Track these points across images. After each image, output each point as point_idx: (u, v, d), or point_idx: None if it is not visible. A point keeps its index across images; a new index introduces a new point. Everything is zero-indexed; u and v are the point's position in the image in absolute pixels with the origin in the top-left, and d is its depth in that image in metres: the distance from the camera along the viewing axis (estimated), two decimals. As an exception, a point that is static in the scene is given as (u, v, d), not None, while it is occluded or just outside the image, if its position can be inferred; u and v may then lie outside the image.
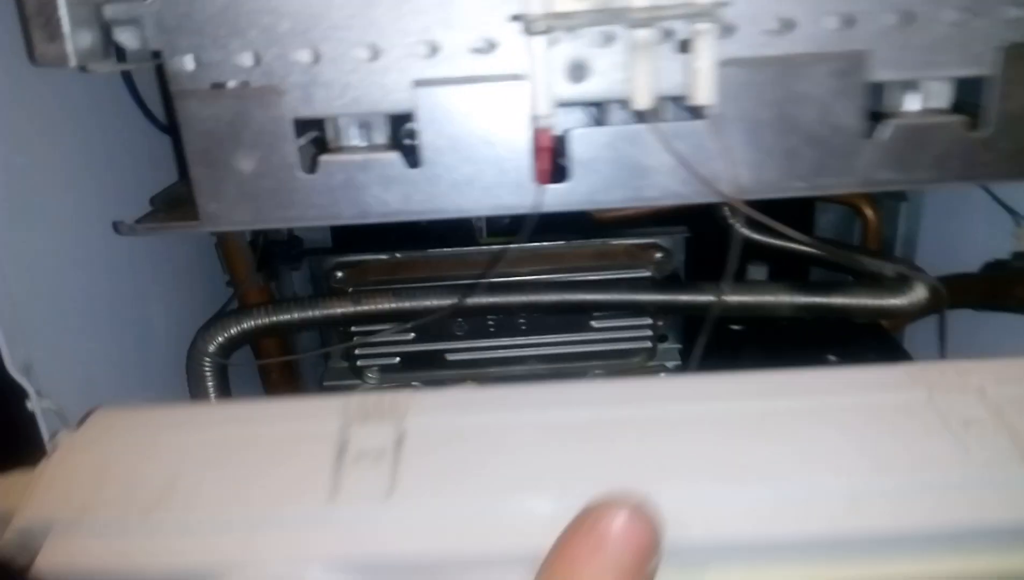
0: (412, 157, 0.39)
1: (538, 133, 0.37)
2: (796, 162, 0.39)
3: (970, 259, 0.64)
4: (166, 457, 0.31)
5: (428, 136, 0.39)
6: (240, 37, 0.37)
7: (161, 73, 0.55)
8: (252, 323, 0.53)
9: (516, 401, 0.32)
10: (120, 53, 0.38)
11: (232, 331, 0.53)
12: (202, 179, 0.39)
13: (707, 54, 0.36)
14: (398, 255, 0.74)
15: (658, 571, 0.23)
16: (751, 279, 0.73)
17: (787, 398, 0.30)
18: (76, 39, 0.35)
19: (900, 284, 0.53)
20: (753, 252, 0.71)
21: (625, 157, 0.39)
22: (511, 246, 0.75)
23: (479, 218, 0.81)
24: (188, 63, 0.37)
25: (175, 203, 0.45)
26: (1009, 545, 0.26)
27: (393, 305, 0.54)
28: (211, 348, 0.54)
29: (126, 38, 0.38)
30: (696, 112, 0.39)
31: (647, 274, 0.73)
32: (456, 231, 0.79)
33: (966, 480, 0.27)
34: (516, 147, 0.39)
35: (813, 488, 0.26)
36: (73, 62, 0.35)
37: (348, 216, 0.40)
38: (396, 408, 0.32)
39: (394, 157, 0.39)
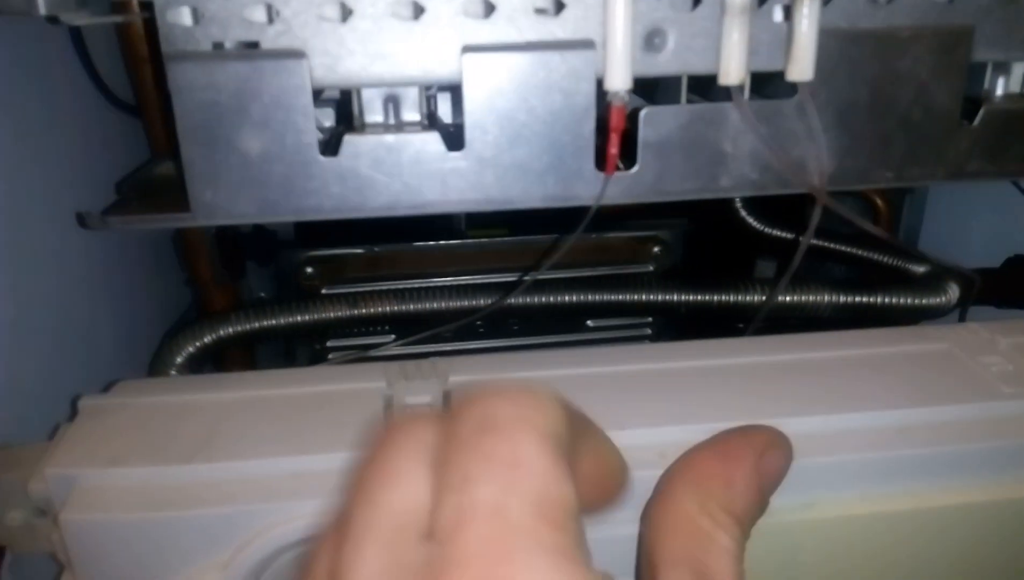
0: (452, 138, 0.33)
1: (613, 111, 0.32)
2: (887, 150, 0.35)
3: (975, 253, 0.62)
4: (201, 414, 0.31)
5: (475, 113, 0.32)
6: (251, -14, 0.30)
7: (124, 38, 0.47)
8: (230, 330, 0.45)
9: (553, 360, 0.35)
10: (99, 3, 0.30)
11: (206, 340, 0.45)
12: (197, 162, 0.32)
13: (810, 21, 0.31)
14: (376, 249, 0.67)
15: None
16: (760, 276, 0.69)
17: (825, 351, 0.35)
18: (42, -20, 0.28)
19: (937, 282, 0.50)
20: (754, 244, 0.68)
21: (701, 141, 0.34)
22: (508, 240, 0.69)
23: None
24: (185, 16, 0.30)
25: (150, 190, 0.37)
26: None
27: (396, 308, 0.47)
28: (179, 359, 0.47)
29: (102, -17, 0.30)
30: (781, 90, 0.34)
31: (649, 269, 0.68)
32: (433, 223, 0.73)
33: (1000, 409, 0.31)
34: (579, 128, 0.33)
35: (865, 421, 0.30)
36: (43, 11, 0.27)
37: (374, 207, 0.34)
38: (436, 369, 0.33)
39: (433, 137, 0.33)
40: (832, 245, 0.56)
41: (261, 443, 0.30)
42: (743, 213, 0.65)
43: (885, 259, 0.55)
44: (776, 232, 0.61)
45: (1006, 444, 0.30)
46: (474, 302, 0.48)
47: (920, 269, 0.53)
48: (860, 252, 0.55)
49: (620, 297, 0.49)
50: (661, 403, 0.31)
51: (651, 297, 0.49)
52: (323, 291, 0.63)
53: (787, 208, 0.65)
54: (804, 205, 0.75)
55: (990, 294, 0.55)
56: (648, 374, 0.34)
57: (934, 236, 0.69)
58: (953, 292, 0.50)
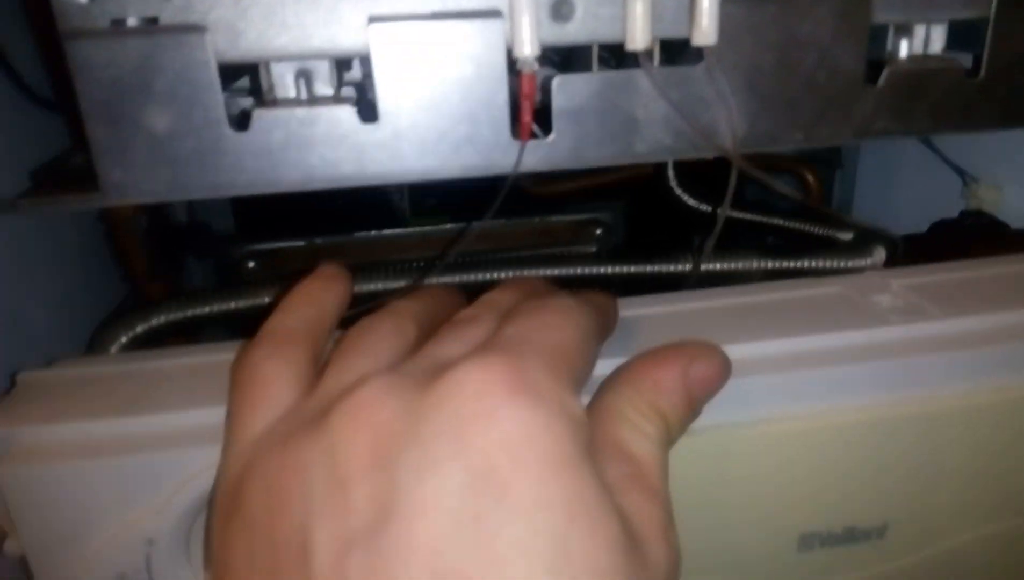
0: (367, 111, 0.33)
1: (523, 79, 0.32)
2: (795, 111, 0.36)
3: (907, 223, 0.64)
4: (137, 378, 0.33)
5: (386, 84, 0.32)
6: (148, -41, 0.29)
7: (38, 30, 0.46)
8: (163, 319, 0.45)
9: None
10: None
11: (138, 329, 0.44)
12: (103, 141, 0.31)
13: (711, -14, 0.32)
14: (318, 241, 0.67)
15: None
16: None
17: (727, 299, 0.38)
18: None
19: (863, 245, 0.51)
20: (691, 222, 0.69)
21: (614, 108, 0.34)
22: (448, 226, 0.69)
23: (401, 197, 0.75)
24: (80, -9, 0.29)
25: (65, 176, 0.36)
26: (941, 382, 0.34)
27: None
28: (112, 350, 0.46)
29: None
30: (689, 56, 0.34)
31: (591, 250, 0.69)
32: (378, 212, 0.73)
33: (887, 333, 0.34)
34: (492, 97, 0.33)
35: (766, 349, 0.33)
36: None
37: (289, 182, 0.33)
38: None
39: (345, 110, 0.33)
40: (764, 219, 0.57)
41: (192, 397, 0.31)
42: (678, 191, 0.66)
43: (816, 230, 0.56)
44: (707, 207, 0.61)
45: (893, 364, 0.33)
46: (409, 282, 0.48)
47: (848, 237, 0.54)
48: (792, 224, 0.56)
49: (554, 272, 0.50)
50: None
51: (585, 271, 0.49)
52: (263, 283, 0.62)
53: (721, 184, 0.66)
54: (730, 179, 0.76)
55: (917, 258, 0.57)
56: None
57: (865, 210, 0.71)
58: (879, 255, 0.52)
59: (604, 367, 0.28)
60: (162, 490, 0.29)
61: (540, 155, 0.35)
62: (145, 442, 0.29)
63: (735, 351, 0.33)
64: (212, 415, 0.30)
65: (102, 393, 0.32)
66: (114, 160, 0.32)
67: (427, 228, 0.67)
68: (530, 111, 0.33)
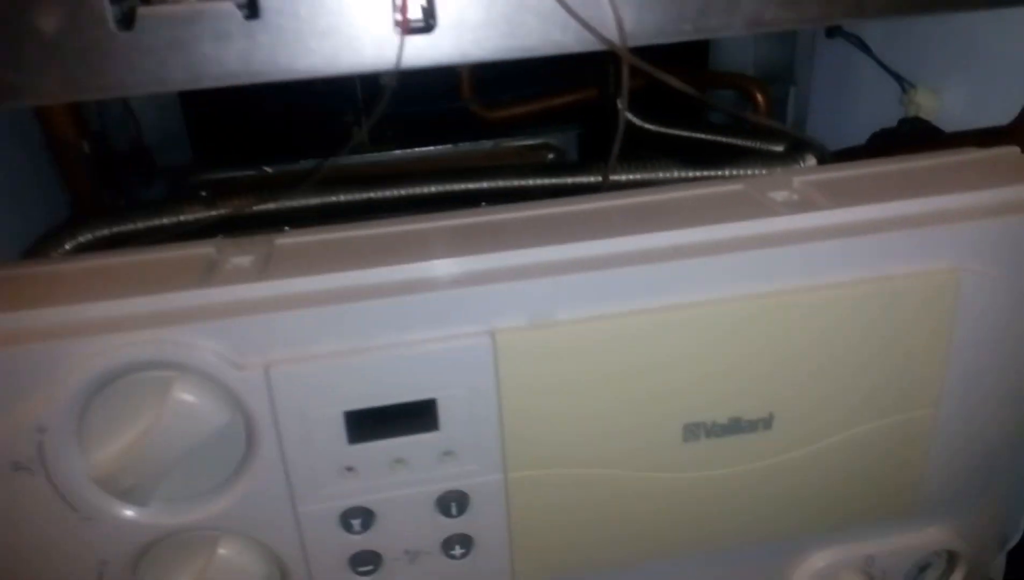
0: (252, 7, 0.34)
1: (394, -33, 0.32)
2: (683, 2, 0.36)
3: (861, 136, 0.63)
4: (45, 278, 0.35)
5: (266, -20, 0.33)
6: None
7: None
8: (89, 236, 0.46)
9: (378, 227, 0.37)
10: None
11: (66, 246, 0.46)
12: (-7, 42, 0.32)
13: None
14: (268, 169, 0.68)
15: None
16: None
17: (634, 199, 0.38)
18: None
19: (793, 154, 0.52)
20: (642, 143, 0.69)
21: (499, 1, 0.35)
22: (396, 153, 0.70)
23: (358, 124, 0.76)
24: None
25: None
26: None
27: (276, 205, 0.48)
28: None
29: None
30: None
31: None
32: (332, 139, 0.74)
33: (772, 224, 0.35)
34: (370, -10, 0.34)
35: (650, 241, 0.34)
36: None
37: (177, 81, 0.34)
38: (268, 239, 0.37)
39: (228, 6, 0.33)
40: (697, 134, 0.57)
41: (83, 292, 0.32)
42: (629, 115, 0.66)
43: (749, 143, 0.56)
44: (655, 128, 0.62)
45: (772, 252, 0.33)
46: (318, 200, 0.49)
47: (780, 148, 0.54)
48: (724, 138, 0.57)
49: (483, 185, 0.50)
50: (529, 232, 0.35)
51: (512, 184, 0.50)
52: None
53: (673, 106, 0.66)
54: (689, 103, 0.76)
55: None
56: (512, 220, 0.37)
57: (819, 126, 0.70)
58: (809, 162, 0.52)
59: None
60: (52, 379, 0.30)
61: (425, 51, 0.35)
62: (34, 334, 0.31)
63: (619, 244, 0.34)
64: (99, 309, 0.31)
65: (10, 291, 0.34)
66: (7, 63, 0.33)
67: (374, 154, 0.68)
68: (404, 3, 0.33)
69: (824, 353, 0.35)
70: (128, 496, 0.32)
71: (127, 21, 0.33)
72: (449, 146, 0.70)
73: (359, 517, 0.35)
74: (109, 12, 0.33)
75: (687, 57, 0.71)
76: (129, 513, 0.33)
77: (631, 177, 0.49)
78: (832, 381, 0.36)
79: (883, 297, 0.35)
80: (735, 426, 0.36)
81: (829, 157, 0.51)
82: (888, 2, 0.37)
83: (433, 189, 0.50)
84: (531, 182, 0.49)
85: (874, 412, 0.37)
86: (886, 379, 0.36)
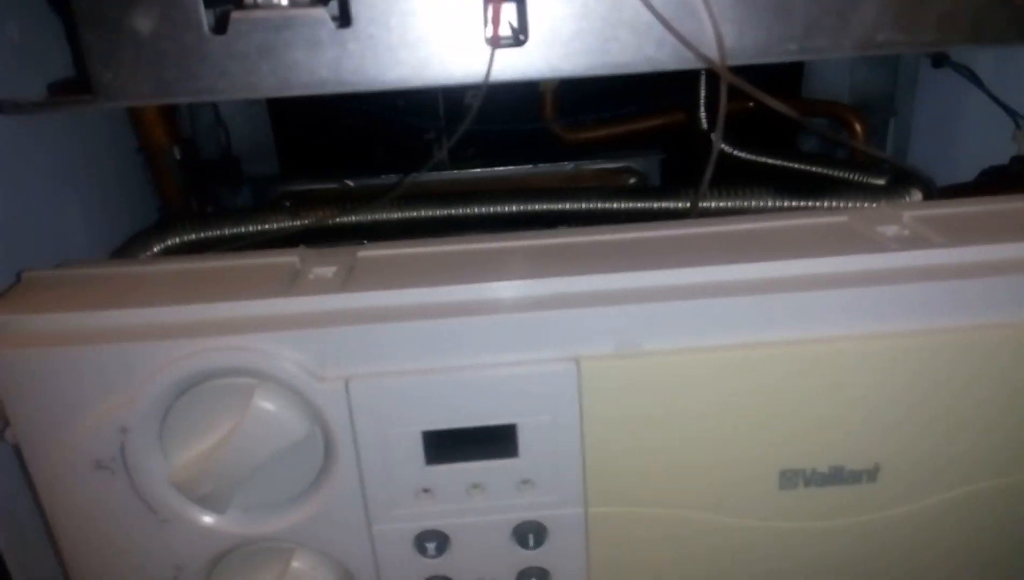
0: (344, 15, 0.34)
1: (489, -22, 0.32)
2: (787, 20, 0.34)
3: (967, 172, 0.59)
4: (128, 279, 0.35)
5: (359, -11, 0.33)
6: None
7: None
8: (177, 240, 0.47)
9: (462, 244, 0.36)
10: None
11: (154, 249, 0.47)
12: (93, 44, 0.33)
13: None
14: (350, 183, 0.68)
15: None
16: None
17: (734, 226, 0.36)
18: None
19: (896, 187, 0.49)
20: (730, 171, 0.67)
21: (592, 14, 0.34)
22: (475, 170, 0.69)
23: (439, 141, 0.76)
24: None
25: (79, 86, 0.38)
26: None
27: (364, 217, 0.48)
28: (134, 268, 0.48)
29: None
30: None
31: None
32: (414, 155, 0.74)
33: (884, 260, 0.32)
34: (465, 2, 0.33)
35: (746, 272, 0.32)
36: None
37: (267, 87, 0.34)
38: (351, 250, 0.36)
39: (320, 14, 0.33)
40: (791, 164, 0.54)
41: (168, 296, 0.32)
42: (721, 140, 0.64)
43: (847, 175, 0.53)
44: (746, 155, 0.59)
45: (889, 289, 0.30)
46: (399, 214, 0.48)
47: (881, 181, 0.51)
48: (819, 168, 0.54)
49: (566, 206, 0.49)
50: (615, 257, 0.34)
51: (594, 206, 0.49)
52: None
53: (759, 136, 0.63)
54: (780, 132, 0.73)
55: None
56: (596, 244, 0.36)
57: (921, 159, 0.67)
58: (915, 197, 0.49)
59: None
60: (136, 379, 0.30)
61: (515, 64, 0.34)
62: (121, 333, 0.31)
63: (716, 273, 0.31)
64: (184, 313, 0.31)
65: (93, 290, 0.34)
66: (104, 63, 0.34)
67: (457, 172, 0.68)
68: (496, 15, 0.32)
69: (938, 402, 0.32)
70: (205, 502, 0.32)
71: (221, 25, 0.33)
72: (529, 166, 0.69)
73: (434, 540, 0.33)
74: (203, 16, 0.33)
75: (780, 82, 0.68)
76: (207, 519, 0.33)
77: (721, 204, 0.47)
78: (945, 433, 0.33)
79: (1006, 345, 0.32)
80: (837, 475, 0.33)
81: (936, 193, 0.48)
82: (1007, 28, 0.34)
83: (515, 208, 0.49)
84: (616, 205, 0.48)
85: (991, 470, 0.34)
86: (1005, 434, 0.33)
